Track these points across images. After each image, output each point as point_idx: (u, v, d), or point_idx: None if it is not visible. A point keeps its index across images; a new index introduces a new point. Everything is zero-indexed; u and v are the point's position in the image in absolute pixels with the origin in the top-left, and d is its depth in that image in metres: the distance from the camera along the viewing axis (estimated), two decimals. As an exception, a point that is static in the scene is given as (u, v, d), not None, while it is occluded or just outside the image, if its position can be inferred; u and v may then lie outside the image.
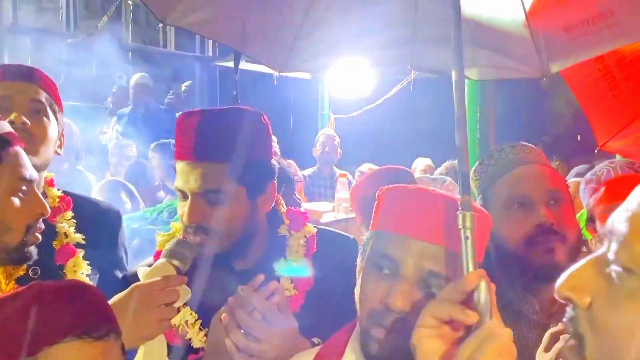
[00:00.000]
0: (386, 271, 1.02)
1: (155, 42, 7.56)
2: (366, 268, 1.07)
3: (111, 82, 6.68)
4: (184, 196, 1.39)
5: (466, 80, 3.04)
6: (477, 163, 1.54)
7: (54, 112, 1.63)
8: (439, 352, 0.85)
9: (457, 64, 1.01)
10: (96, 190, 3.04)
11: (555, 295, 0.69)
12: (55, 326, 0.87)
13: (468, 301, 0.85)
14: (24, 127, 1.50)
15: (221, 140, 1.36)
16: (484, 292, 0.84)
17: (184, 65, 7.12)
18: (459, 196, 0.94)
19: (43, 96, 1.60)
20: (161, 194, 4.06)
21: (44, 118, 1.59)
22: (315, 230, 1.55)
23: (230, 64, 5.16)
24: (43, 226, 1.30)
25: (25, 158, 1.27)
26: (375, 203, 1.14)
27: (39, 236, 1.28)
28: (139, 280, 1.27)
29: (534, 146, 1.50)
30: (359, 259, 1.14)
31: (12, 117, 1.49)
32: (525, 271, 1.35)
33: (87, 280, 1.63)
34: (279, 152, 5.06)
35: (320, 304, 1.44)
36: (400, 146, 6.20)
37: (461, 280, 0.85)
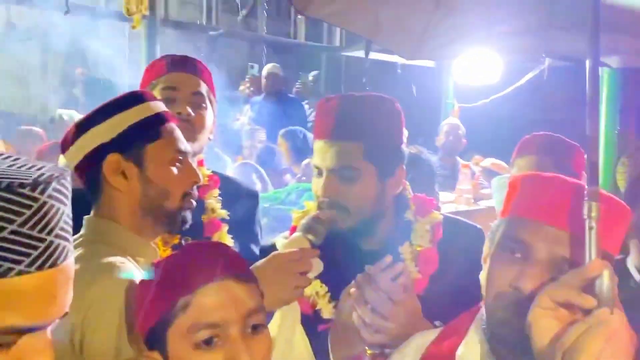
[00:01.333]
0: (517, 255, 1.04)
1: (286, 33, 7.86)
2: (495, 252, 1.09)
3: (244, 71, 7.07)
4: (320, 173, 1.49)
5: (606, 69, 2.85)
6: (627, 153, 1.48)
7: (210, 102, 1.81)
8: (554, 332, 0.86)
9: (592, 47, 1.00)
10: (230, 171, 3.28)
11: None
12: (210, 267, 1.01)
13: (590, 290, 0.86)
14: (188, 118, 1.70)
15: (358, 122, 1.46)
16: (607, 282, 0.83)
17: (313, 55, 7.35)
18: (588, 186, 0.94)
19: (203, 88, 1.78)
20: (287, 177, 4.27)
21: (203, 109, 1.77)
22: (441, 217, 1.59)
23: (356, 54, 5.21)
24: (197, 193, 1.45)
25: (179, 132, 1.42)
26: (507, 190, 1.15)
27: (194, 202, 1.43)
28: (276, 250, 1.39)
29: None
30: (486, 245, 1.16)
31: (179, 109, 1.69)
32: None
33: None
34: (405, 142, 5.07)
35: (444, 289, 1.47)
36: (530, 138, 5.88)
37: (584, 266, 0.86)
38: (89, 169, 1.35)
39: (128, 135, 1.34)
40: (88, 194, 1.40)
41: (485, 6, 1.77)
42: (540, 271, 1.00)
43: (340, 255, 1.53)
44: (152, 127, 1.36)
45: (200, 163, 1.87)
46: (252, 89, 6.75)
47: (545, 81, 2.92)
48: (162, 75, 1.76)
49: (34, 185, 0.71)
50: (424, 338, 1.23)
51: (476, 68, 5.03)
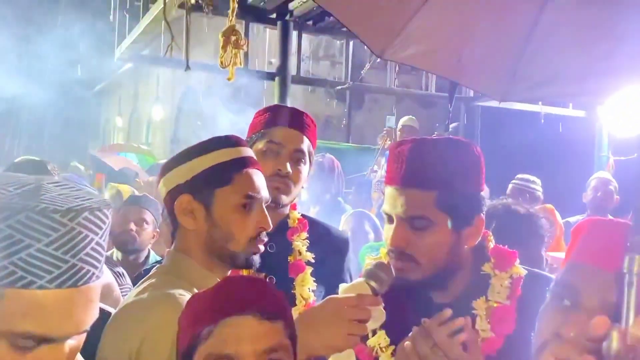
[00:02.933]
0: (566, 302, 0.92)
1: (418, 85, 7.88)
2: (547, 302, 0.98)
3: (381, 124, 7.18)
4: (390, 220, 1.43)
5: None
6: None
7: (309, 155, 1.86)
8: None
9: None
10: (344, 218, 3.29)
11: None
12: (236, 301, 1.04)
13: (598, 351, 0.71)
14: (286, 175, 1.76)
15: (429, 169, 1.38)
16: (615, 347, 0.68)
17: (447, 107, 7.24)
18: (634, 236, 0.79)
19: (306, 145, 1.84)
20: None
21: (302, 165, 1.83)
22: (524, 272, 1.44)
23: (492, 104, 5.02)
24: (266, 239, 1.48)
25: (257, 178, 1.46)
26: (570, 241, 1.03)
27: (261, 247, 1.46)
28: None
29: None
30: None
31: (280, 166, 1.76)
32: None
33: (312, 295, 1.80)
34: (542, 197, 4.70)
35: (521, 350, 1.31)
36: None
37: (590, 323, 0.71)
38: (169, 207, 1.46)
39: (201, 179, 1.42)
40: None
41: (586, 42, 1.60)
42: (587, 318, 0.87)
43: (410, 307, 1.44)
44: (225, 172, 1.43)
45: (293, 207, 1.93)
46: (388, 141, 6.79)
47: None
48: (270, 126, 1.83)
49: (65, 212, 0.80)
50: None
51: (634, 117, 4.56)
